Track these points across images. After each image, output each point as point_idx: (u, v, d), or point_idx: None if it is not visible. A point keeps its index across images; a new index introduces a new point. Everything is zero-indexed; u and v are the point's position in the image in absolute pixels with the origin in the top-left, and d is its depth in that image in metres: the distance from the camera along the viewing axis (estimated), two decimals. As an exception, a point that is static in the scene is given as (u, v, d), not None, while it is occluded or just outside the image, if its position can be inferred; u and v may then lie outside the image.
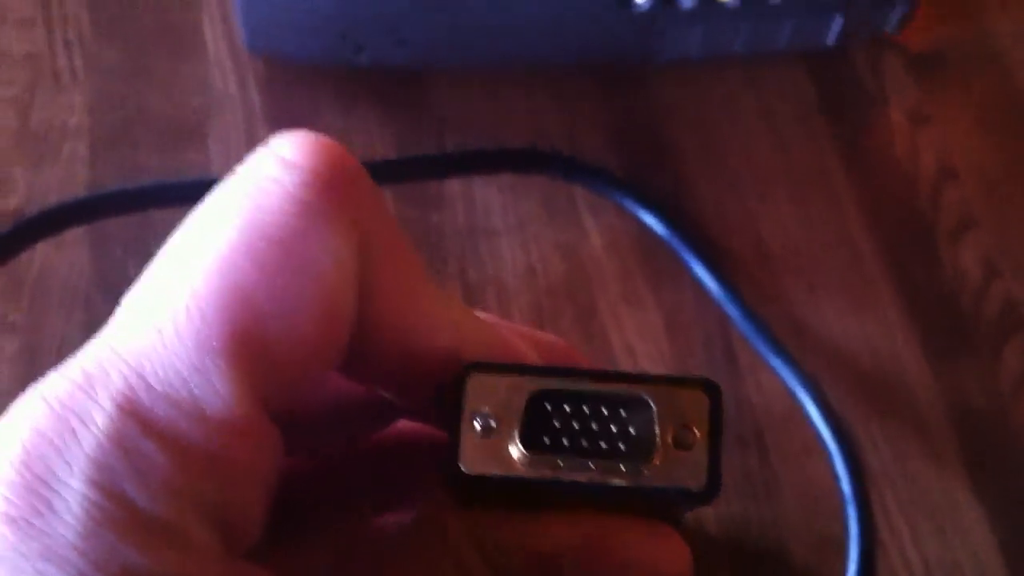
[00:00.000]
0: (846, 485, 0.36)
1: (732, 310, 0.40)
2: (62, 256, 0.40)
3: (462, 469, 0.17)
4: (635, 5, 0.43)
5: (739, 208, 0.43)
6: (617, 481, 0.16)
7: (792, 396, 0.38)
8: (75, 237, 0.40)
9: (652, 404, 0.16)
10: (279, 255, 0.16)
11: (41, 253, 0.40)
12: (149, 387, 0.15)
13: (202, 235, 0.16)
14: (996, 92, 0.47)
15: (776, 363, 0.39)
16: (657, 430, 0.16)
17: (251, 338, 0.16)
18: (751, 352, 0.40)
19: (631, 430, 0.16)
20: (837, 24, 0.46)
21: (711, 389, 0.17)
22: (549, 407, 0.17)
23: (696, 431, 0.16)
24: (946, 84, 0.48)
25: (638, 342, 0.40)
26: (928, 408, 0.40)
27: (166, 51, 0.45)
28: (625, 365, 0.40)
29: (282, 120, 0.44)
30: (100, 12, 0.46)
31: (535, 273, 0.41)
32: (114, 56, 0.45)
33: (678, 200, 0.43)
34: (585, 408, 0.17)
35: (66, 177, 0.41)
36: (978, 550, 0.37)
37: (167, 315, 0.16)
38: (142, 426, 0.15)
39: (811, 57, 0.47)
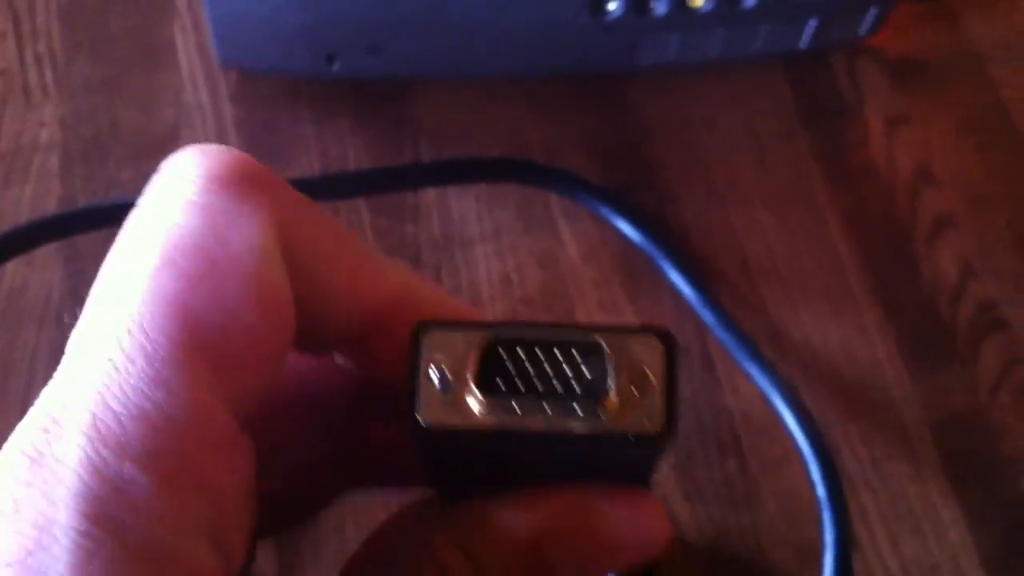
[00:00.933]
0: (822, 491, 0.36)
1: (709, 317, 0.40)
2: (34, 273, 0.40)
3: (421, 422, 0.16)
4: (608, 13, 0.43)
5: (718, 215, 0.43)
6: (576, 427, 0.16)
7: (769, 403, 0.38)
8: (47, 254, 0.40)
9: (606, 347, 0.16)
10: (199, 261, 0.16)
11: (12, 270, 0.40)
12: (115, 413, 0.15)
13: (123, 265, 0.17)
14: (974, 96, 0.47)
15: (753, 370, 0.39)
16: (611, 371, 0.16)
17: (197, 342, 0.16)
18: (729, 359, 0.40)
19: (586, 372, 0.16)
20: (811, 27, 0.46)
21: (664, 336, 0.17)
22: (504, 354, 0.17)
23: (651, 375, 0.16)
24: (924, 88, 0.48)
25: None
26: (906, 411, 0.40)
27: (138, 65, 0.45)
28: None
29: (255, 132, 0.43)
30: (71, 26, 0.45)
31: (511, 282, 0.41)
32: (86, 70, 0.45)
33: (658, 207, 0.43)
34: (539, 353, 0.16)
35: (37, 193, 0.41)
36: (956, 553, 0.37)
37: (113, 343, 0.16)
38: (118, 452, 0.15)
39: (789, 63, 0.47)
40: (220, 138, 0.43)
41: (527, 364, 0.16)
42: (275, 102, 0.44)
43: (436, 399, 0.16)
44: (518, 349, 0.16)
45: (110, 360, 0.16)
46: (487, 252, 0.41)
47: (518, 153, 0.44)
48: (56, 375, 0.16)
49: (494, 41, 0.44)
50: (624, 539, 0.18)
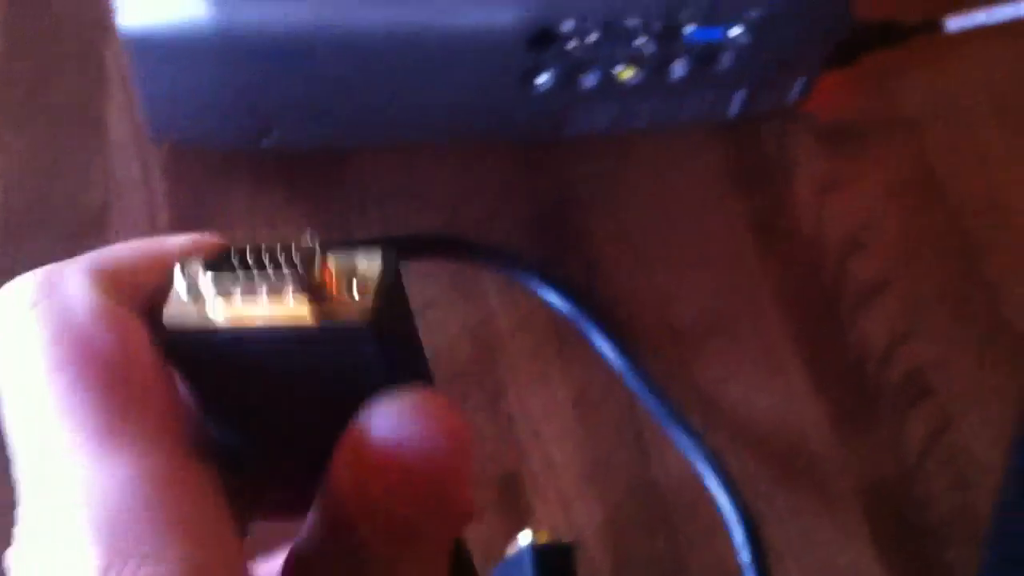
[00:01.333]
0: (747, 561, 0.36)
1: (640, 388, 0.40)
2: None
3: (163, 325, 0.18)
4: (538, 85, 0.43)
5: (648, 282, 0.44)
6: (297, 320, 0.17)
7: (697, 474, 0.38)
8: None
9: (326, 253, 0.18)
10: (76, 364, 0.17)
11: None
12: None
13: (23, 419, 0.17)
14: (903, 161, 0.48)
15: (682, 440, 0.39)
16: (332, 273, 0.17)
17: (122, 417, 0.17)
18: (659, 430, 0.40)
19: (307, 274, 0.17)
20: (740, 97, 0.46)
21: (385, 248, 0.18)
22: (230, 260, 0.18)
23: (369, 279, 0.17)
24: (853, 154, 0.48)
25: (545, 424, 0.40)
26: (834, 480, 0.40)
27: (69, 138, 0.45)
28: (531, 447, 0.39)
29: (186, 205, 0.44)
30: (2, 99, 0.45)
31: (440, 357, 0.41)
32: (15, 144, 0.44)
33: (588, 275, 0.44)
34: (262, 258, 0.18)
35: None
36: (883, 624, 0.37)
37: (69, 481, 0.16)
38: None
39: (720, 130, 0.48)
40: (150, 213, 0.43)
41: (252, 267, 0.17)
42: (209, 175, 0.44)
43: (180, 309, 0.18)
44: (243, 255, 0.18)
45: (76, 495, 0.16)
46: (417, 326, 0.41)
47: (451, 221, 0.44)
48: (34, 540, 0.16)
49: (427, 111, 0.44)
50: (413, 449, 0.17)
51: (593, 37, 0.42)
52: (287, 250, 0.18)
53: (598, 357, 0.41)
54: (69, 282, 0.17)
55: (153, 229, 0.42)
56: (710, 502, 0.38)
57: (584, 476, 0.39)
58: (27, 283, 0.18)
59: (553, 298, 0.42)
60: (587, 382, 0.41)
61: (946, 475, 0.40)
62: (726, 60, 0.44)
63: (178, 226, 0.43)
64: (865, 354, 0.43)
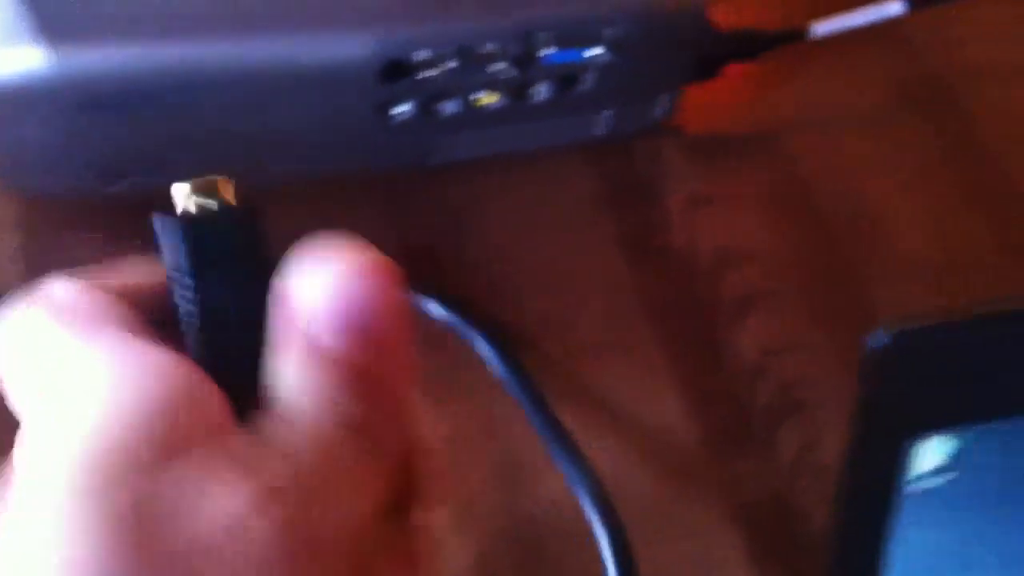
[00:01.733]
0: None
1: (521, 410, 0.40)
2: None
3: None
4: (395, 116, 0.42)
5: (521, 308, 0.43)
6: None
7: (573, 501, 0.38)
8: None
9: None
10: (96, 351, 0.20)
11: None
12: None
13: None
14: (773, 173, 0.48)
15: (558, 467, 0.39)
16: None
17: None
18: (532, 459, 0.39)
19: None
20: (606, 117, 0.46)
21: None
22: None
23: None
24: (725, 168, 0.48)
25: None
26: (712, 499, 0.40)
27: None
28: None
29: (43, 259, 0.42)
30: None
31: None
32: None
33: (460, 305, 0.43)
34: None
35: None
36: (760, 645, 0.37)
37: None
38: None
39: (590, 149, 0.48)
40: (0, 269, 0.42)
41: None
42: (66, 225, 0.43)
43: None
44: None
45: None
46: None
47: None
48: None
49: (286, 145, 0.43)
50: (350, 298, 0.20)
51: (448, 65, 0.42)
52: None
53: (470, 381, 0.41)
54: (52, 284, 0.22)
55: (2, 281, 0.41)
56: (585, 528, 0.37)
57: (452, 512, 0.39)
58: (16, 299, 0.22)
59: (430, 318, 0.41)
60: (466, 407, 0.40)
61: (819, 489, 0.40)
62: (588, 81, 0.44)
63: (31, 278, 0.41)
64: (739, 370, 0.43)
